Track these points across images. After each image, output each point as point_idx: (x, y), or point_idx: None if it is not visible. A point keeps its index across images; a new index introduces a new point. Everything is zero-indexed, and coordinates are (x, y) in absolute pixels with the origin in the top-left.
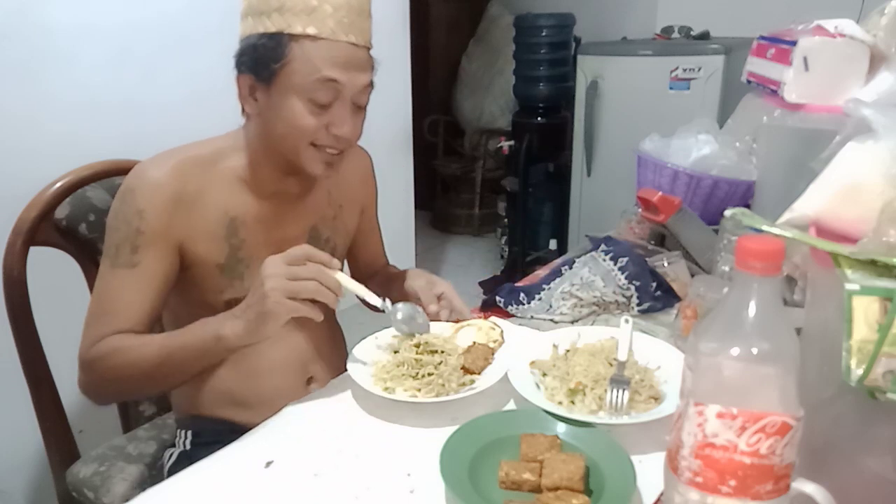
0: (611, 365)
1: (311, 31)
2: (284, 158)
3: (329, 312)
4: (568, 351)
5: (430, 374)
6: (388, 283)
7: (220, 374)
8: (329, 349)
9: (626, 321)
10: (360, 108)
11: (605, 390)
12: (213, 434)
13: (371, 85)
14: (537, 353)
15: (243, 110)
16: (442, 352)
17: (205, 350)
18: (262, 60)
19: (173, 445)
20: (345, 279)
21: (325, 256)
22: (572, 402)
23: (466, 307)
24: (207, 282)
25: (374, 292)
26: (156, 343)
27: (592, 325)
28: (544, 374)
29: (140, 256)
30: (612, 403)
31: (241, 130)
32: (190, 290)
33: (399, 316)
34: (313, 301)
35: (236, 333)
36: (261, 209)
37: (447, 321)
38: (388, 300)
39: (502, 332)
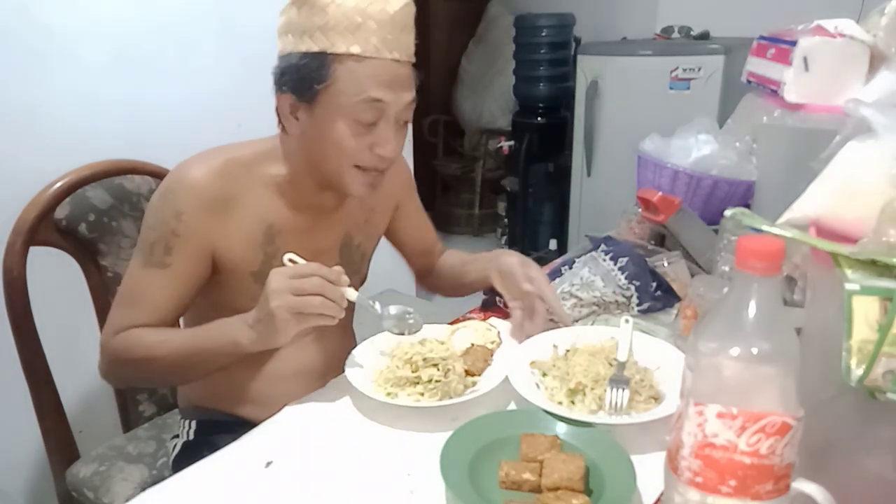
0: (611, 365)
1: (354, 49)
2: (325, 177)
3: (347, 322)
4: (568, 351)
5: (437, 381)
6: (464, 265)
7: (239, 372)
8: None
9: (626, 321)
10: (403, 125)
11: (605, 390)
12: (219, 426)
13: (415, 100)
14: (537, 354)
15: (279, 122)
16: (443, 361)
17: (223, 354)
18: (304, 81)
19: (177, 436)
20: (350, 293)
21: (335, 274)
22: (572, 403)
23: (557, 298)
24: (239, 288)
25: (450, 279)
26: (176, 342)
27: (592, 325)
28: (544, 375)
29: (173, 258)
30: (611, 403)
31: (278, 139)
32: (219, 295)
33: (390, 319)
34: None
35: (251, 341)
36: (297, 219)
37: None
38: (377, 303)
39: (499, 332)
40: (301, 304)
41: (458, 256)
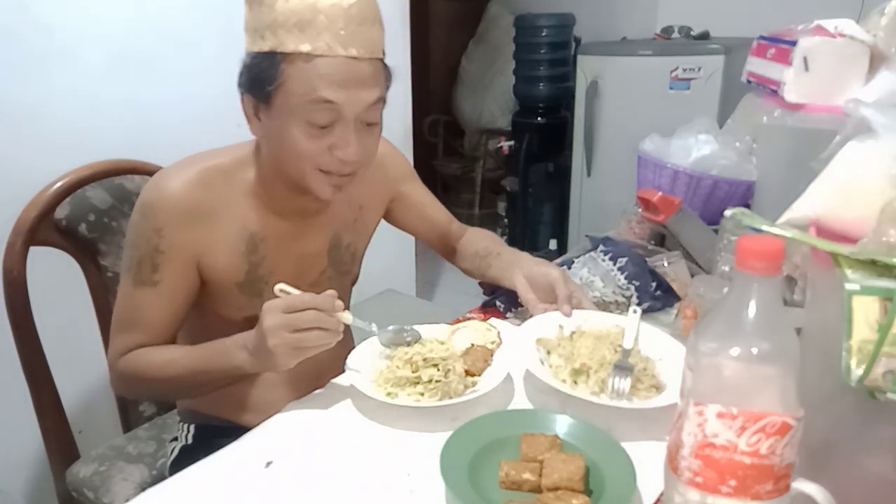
0: (615, 351)
1: (304, 48)
2: (292, 180)
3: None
4: (573, 333)
5: (437, 381)
6: (487, 256)
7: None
8: (343, 361)
9: (635, 311)
10: (371, 125)
11: (609, 374)
12: (217, 431)
13: (381, 100)
14: (542, 332)
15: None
16: (443, 361)
17: (228, 376)
18: (256, 82)
19: (175, 439)
20: (346, 317)
21: (329, 302)
22: (575, 383)
23: (593, 306)
24: (226, 299)
25: (472, 267)
26: (181, 364)
27: None
28: (549, 352)
29: (161, 275)
30: (614, 388)
31: (254, 144)
32: (206, 306)
33: (386, 335)
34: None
35: (253, 366)
36: (280, 225)
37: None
38: (374, 324)
39: (499, 332)
40: (299, 340)
41: (482, 243)
